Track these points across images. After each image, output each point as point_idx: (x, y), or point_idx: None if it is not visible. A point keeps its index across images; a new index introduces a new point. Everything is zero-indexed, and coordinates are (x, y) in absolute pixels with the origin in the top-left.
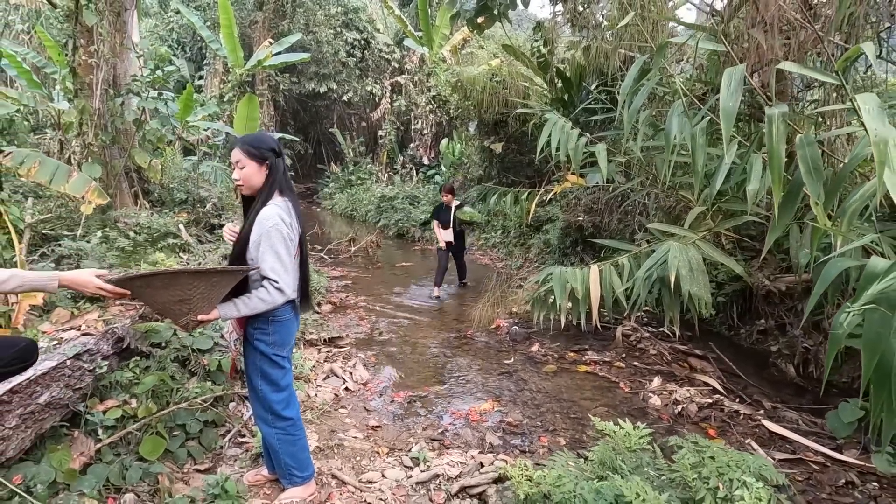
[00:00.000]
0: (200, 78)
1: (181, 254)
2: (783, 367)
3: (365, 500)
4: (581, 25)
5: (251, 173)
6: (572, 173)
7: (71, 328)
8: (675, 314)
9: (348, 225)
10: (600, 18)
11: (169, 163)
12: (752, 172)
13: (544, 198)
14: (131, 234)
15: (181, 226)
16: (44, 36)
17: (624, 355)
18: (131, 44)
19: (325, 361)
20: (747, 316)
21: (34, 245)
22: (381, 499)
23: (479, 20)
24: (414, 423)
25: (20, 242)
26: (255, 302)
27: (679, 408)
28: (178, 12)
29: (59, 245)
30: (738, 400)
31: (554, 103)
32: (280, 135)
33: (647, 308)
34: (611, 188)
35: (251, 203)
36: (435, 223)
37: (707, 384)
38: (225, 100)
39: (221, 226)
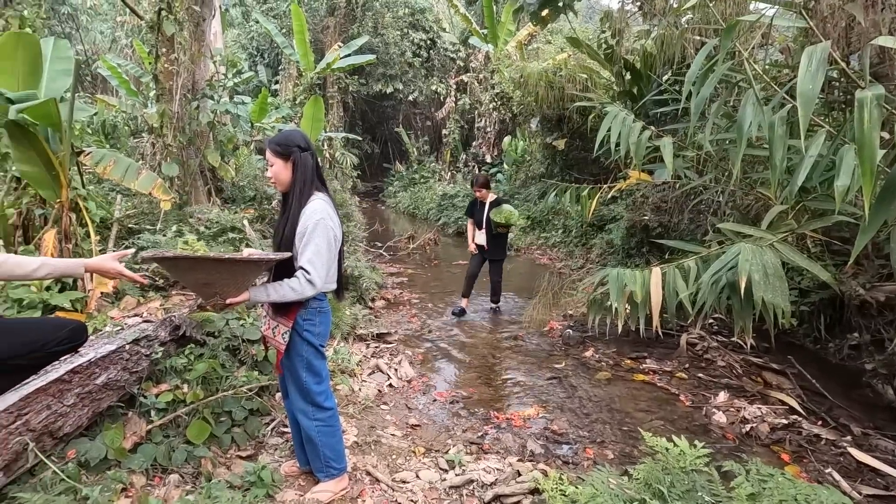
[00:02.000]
0: (277, 83)
1: (243, 248)
2: (879, 387)
3: (396, 500)
4: (651, 13)
5: (279, 170)
6: (635, 169)
7: (135, 315)
8: (747, 323)
9: (410, 223)
10: (672, 2)
11: (243, 163)
12: (843, 166)
13: (607, 195)
14: (202, 228)
15: (245, 221)
16: (140, 49)
17: (687, 366)
18: (208, 51)
19: (371, 357)
20: (837, 328)
21: (121, 238)
22: (412, 500)
23: (543, 13)
24: (454, 424)
25: (96, 235)
26: (285, 289)
27: (748, 427)
28: (257, 22)
29: (139, 238)
30: (819, 423)
31: (621, 96)
32: (345, 135)
33: (717, 315)
34: (678, 185)
35: (288, 199)
36: (469, 221)
37: (783, 402)
38: (297, 102)
39: None
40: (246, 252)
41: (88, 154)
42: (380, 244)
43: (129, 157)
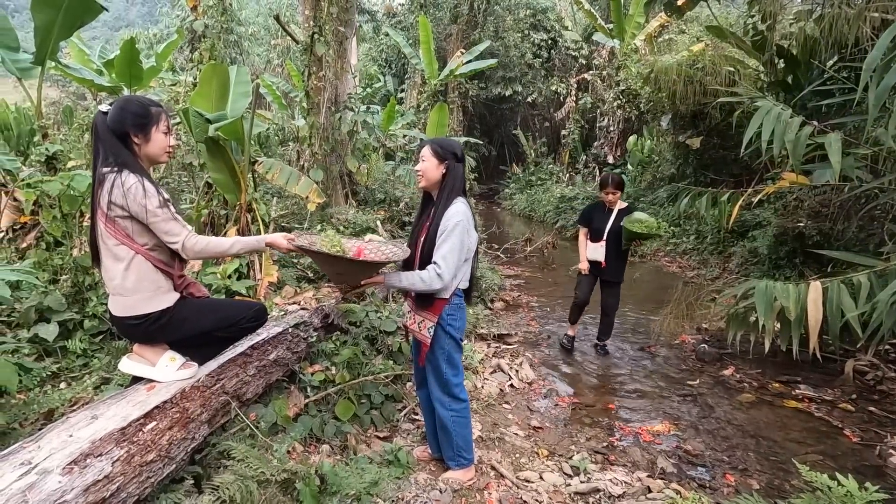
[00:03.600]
0: (402, 91)
1: (367, 234)
2: None
3: (521, 498)
4: None
5: (430, 167)
6: (791, 170)
7: (294, 303)
8: None
9: (526, 225)
10: None
11: (374, 167)
12: None
13: (752, 199)
14: (341, 227)
15: (378, 222)
16: (291, 68)
17: (854, 396)
18: (350, 67)
19: (493, 356)
20: None
21: None
22: (537, 500)
23: (679, 2)
24: (577, 431)
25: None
26: (415, 279)
27: None
28: (387, 35)
29: None
30: None
31: (772, 87)
32: (466, 138)
33: (894, 341)
34: (846, 188)
35: (429, 198)
36: (582, 231)
37: None
38: (421, 109)
39: (412, 223)
40: (368, 237)
41: (260, 163)
42: (496, 246)
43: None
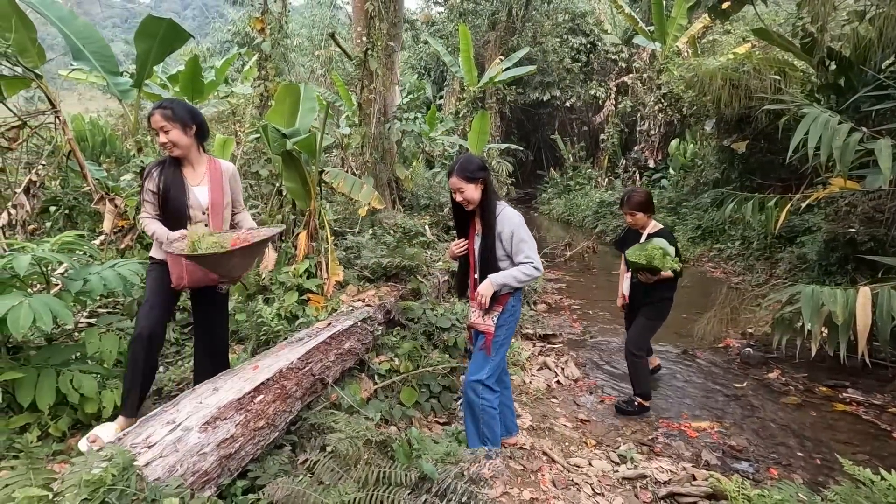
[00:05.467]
0: (441, 98)
1: (426, 250)
2: None
3: (572, 480)
4: None
5: (470, 194)
6: (839, 176)
7: (359, 300)
8: None
9: (564, 230)
10: None
11: (416, 173)
12: None
13: (800, 204)
14: (391, 231)
15: (426, 227)
16: (335, 77)
17: None
18: (397, 79)
19: (538, 355)
20: None
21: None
22: (587, 482)
23: (724, 5)
24: (623, 424)
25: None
26: (516, 274)
27: None
28: (426, 42)
29: (345, 239)
30: None
31: (823, 91)
32: (505, 145)
33: None
34: None
35: (467, 216)
36: (622, 258)
37: None
38: (459, 115)
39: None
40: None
41: (328, 172)
42: None
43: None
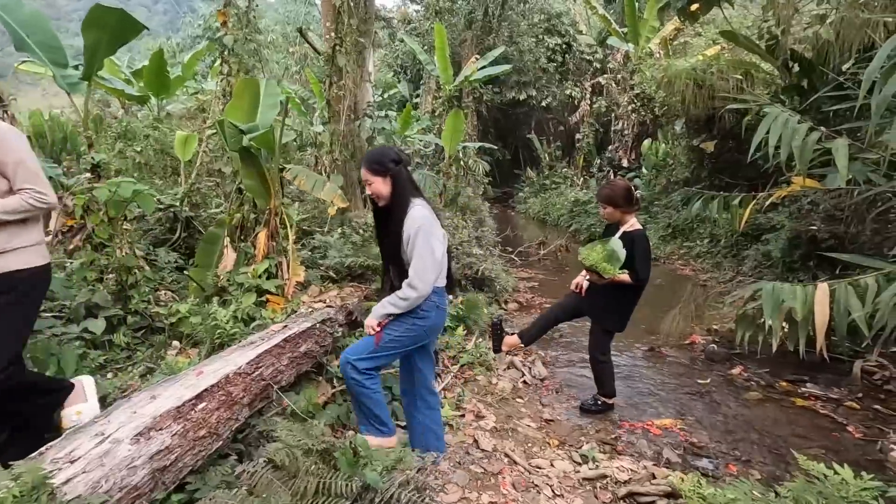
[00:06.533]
0: (417, 96)
1: None
2: None
3: (532, 482)
4: None
5: (378, 187)
6: (799, 175)
7: (320, 301)
8: None
9: (540, 229)
10: None
11: None
12: None
13: (764, 204)
14: (360, 231)
15: None
16: (310, 75)
17: (861, 395)
18: (368, 76)
19: (507, 354)
20: None
21: (297, 238)
22: (547, 483)
23: (693, 7)
24: (587, 423)
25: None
26: (396, 302)
27: None
28: (402, 41)
29: (313, 238)
30: None
31: (786, 92)
32: (481, 144)
33: None
34: (855, 192)
35: (383, 213)
36: None
37: None
38: (436, 114)
39: None
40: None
41: (288, 170)
42: (511, 249)
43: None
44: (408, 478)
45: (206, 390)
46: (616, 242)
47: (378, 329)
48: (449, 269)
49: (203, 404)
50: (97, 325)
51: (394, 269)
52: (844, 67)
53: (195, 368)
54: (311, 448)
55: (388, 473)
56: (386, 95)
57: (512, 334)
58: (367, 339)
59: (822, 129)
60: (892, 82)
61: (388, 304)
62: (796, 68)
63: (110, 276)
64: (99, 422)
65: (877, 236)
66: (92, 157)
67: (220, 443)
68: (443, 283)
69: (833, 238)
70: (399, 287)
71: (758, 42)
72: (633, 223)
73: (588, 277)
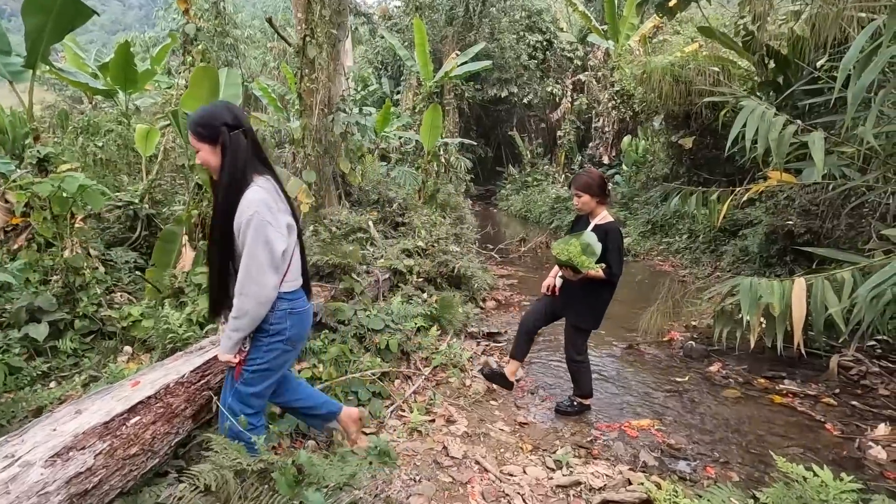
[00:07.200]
0: (398, 93)
1: (368, 246)
2: None
3: (503, 491)
4: None
5: (207, 156)
6: (776, 169)
7: None
8: None
9: (522, 226)
10: None
11: (368, 169)
12: None
13: (741, 199)
14: (333, 228)
15: (370, 222)
16: (287, 71)
17: (837, 391)
18: (342, 69)
19: (482, 354)
20: None
21: None
22: (518, 493)
23: (671, 3)
24: (563, 426)
25: None
26: (234, 323)
27: None
28: (382, 37)
29: None
30: None
31: (763, 87)
32: (460, 140)
33: (881, 337)
34: (831, 186)
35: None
36: None
37: None
38: (416, 111)
39: (404, 224)
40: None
41: None
42: (491, 246)
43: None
44: (354, 498)
45: (141, 402)
46: (590, 235)
47: (238, 363)
48: (304, 267)
49: (136, 418)
50: (39, 331)
51: (211, 270)
52: (819, 64)
53: (132, 378)
54: (247, 468)
55: (335, 493)
56: (365, 91)
57: (502, 368)
58: (227, 391)
59: (799, 122)
60: (868, 72)
61: (229, 332)
62: (772, 64)
63: (56, 277)
64: (11, 442)
65: (851, 230)
66: (38, 151)
67: (157, 460)
68: (294, 285)
69: (809, 233)
70: (215, 308)
71: (734, 38)
72: (605, 215)
73: (561, 275)
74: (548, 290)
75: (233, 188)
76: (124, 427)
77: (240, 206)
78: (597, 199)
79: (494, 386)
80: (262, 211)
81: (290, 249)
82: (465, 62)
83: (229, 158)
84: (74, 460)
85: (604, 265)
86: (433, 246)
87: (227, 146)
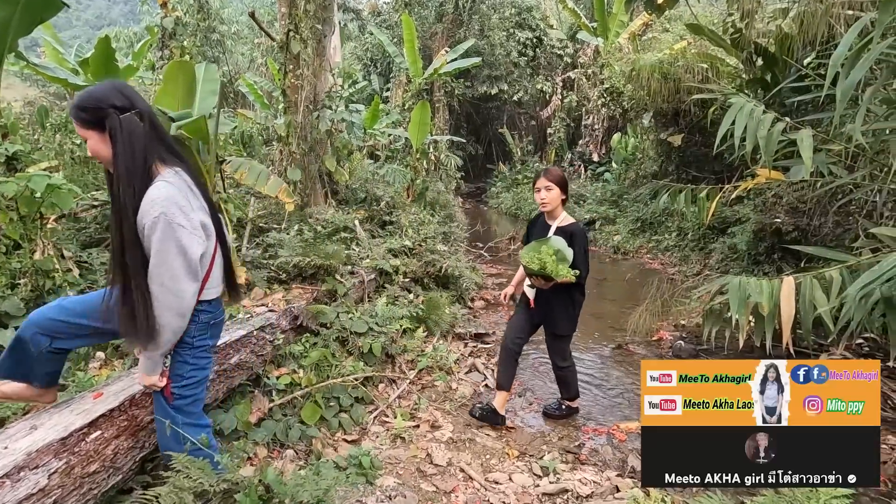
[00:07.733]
0: (388, 90)
1: (354, 246)
2: None
3: (488, 501)
4: None
5: (97, 146)
6: (765, 167)
7: (262, 305)
8: None
9: (512, 223)
10: None
11: (356, 166)
12: None
13: (730, 196)
14: (319, 227)
15: (356, 221)
16: (273, 67)
17: None
18: (328, 65)
19: (469, 356)
20: None
21: (253, 235)
22: (504, 501)
23: (659, 0)
24: (550, 430)
25: (239, 233)
26: (158, 346)
27: None
28: (371, 34)
29: (268, 236)
30: None
31: (751, 85)
32: (450, 138)
33: (869, 335)
34: (818, 184)
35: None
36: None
37: None
38: (405, 108)
39: (392, 222)
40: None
41: (228, 162)
42: (481, 244)
43: (261, 163)
44: None
45: (103, 416)
46: (557, 241)
47: (163, 385)
48: (228, 270)
49: (97, 433)
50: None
51: (121, 272)
52: (807, 61)
53: (95, 390)
54: (210, 489)
55: None
56: (354, 88)
57: (490, 404)
58: (160, 405)
59: (787, 119)
60: (857, 69)
61: (148, 353)
62: (760, 62)
63: (24, 281)
64: None
65: (838, 228)
66: (5, 149)
67: (120, 476)
68: (215, 293)
69: (797, 230)
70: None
71: (722, 36)
72: (565, 216)
73: (530, 284)
74: (505, 297)
75: (131, 181)
76: (83, 443)
77: (142, 206)
78: (563, 196)
79: (481, 388)
80: (170, 211)
81: (208, 253)
82: (455, 59)
83: (122, 146)
84: (26, 481)
85: (576, 270)
86: (420, 245)
87: (116, 131)
